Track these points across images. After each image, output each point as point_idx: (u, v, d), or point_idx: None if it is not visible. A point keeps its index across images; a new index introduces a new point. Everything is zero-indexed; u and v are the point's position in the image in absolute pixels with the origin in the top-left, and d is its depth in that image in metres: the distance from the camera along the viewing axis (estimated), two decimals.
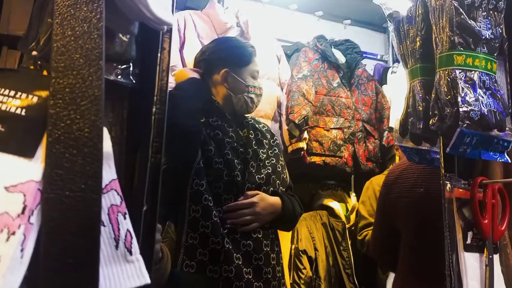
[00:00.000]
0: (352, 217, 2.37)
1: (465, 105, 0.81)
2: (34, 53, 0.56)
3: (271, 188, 1.50)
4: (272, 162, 1.55)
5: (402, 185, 1.36)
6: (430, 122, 0.88)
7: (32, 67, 0.56)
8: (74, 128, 0.50)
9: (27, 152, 0.48)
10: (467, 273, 0.83)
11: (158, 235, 1.05)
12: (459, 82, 0.83)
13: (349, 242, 2.27)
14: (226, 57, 1.53)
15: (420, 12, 0.95)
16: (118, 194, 0.63)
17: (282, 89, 2.41)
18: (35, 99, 0.52)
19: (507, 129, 0.87)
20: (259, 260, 1.40)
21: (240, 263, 1.35)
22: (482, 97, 0.83)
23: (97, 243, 0.49)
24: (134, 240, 0.61)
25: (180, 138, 1.36)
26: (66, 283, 0.46)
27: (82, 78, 0.52)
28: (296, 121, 2.21)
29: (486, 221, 0.87)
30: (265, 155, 1.53)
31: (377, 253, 1.68)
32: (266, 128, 1.65)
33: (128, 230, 0.62)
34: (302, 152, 2.27)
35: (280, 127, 2.33)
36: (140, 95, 0.72)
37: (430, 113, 0.88)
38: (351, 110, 2.43)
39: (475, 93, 0.82)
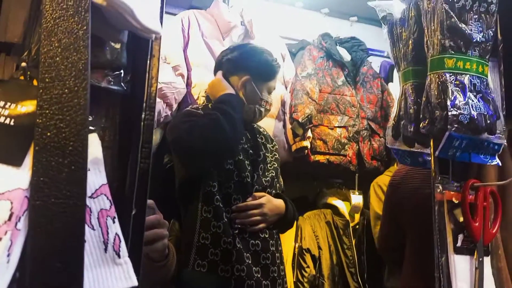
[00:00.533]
0: (357, 216, 2.37)
1: (454, 108, 0.82)
2: (24, 64, 0.59)
3: (274, 191, 1.58)
4: (274, 166, 1.63)
5: (408, 186, 1.37)
6: (421, 125, 0.88)
7: (22, 77, 0.59)
8: (60, 137, 0.53)
9: (15, 160, 0.51)
10: (457, 275, 0.84)
11: (165, 231, 1.08)
12: (449, 86, 0.83)
13: (353, 241, 2.28)
14: (253, 67, 1.59)
15: (412, 14, 0.96)
16: (107, 198, 0.66)
17: (286, 88, 2.41)
18: (23, 109, 0.54)
19: (498, 132, 0.87)
20: (266, 260, 1.46)
21: (250, 262, 1.40)
22: (472, 101, 0.83)
23: (82, 247, 0.52)
24: (123, 244, 0.64)
25: (224, 152, 1.44)
26: (52, 286, 0.49)
27: (68, 89, 0.55)
28: (300, 120, 2.22)
29: (477, 224, 0.88)
30: (269, 159, 1.61)
31: (384, 251, 1.70)
32: (267, 133, 1.73)
33: (116, 234, 0.64)
34: (306, 150, 2.28)
35: (284, 126, 2.34)
36: (130, 101, 0.74)
37: (421, 116, 0.89)
38: (355, 108, 2.43)
39: (465, 97, 0.83)
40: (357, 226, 2.36)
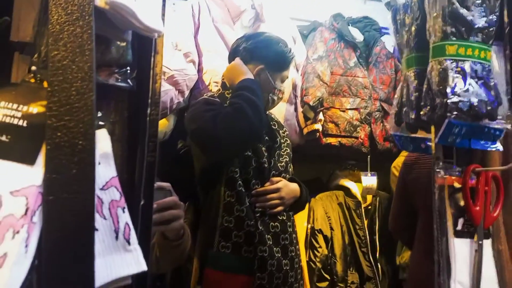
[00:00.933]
0: (369, 197, 2.39)
1: (454, 95, 0.82)
2: (34, 68, 0.62)
3: (287, 175, 1.65)
4: (287, 151, 1.69)
5: (421, 166, 1.38)
6: (422, 112, 0.89)
7: (33, 80, 0.62)
8: (69, 137, 0.57)
9: (29, 159, 0.55)
10: (456, 258, 0.87)
11: (181, 212, 1.14)
12: (449, 73, 0.84)
13: (366, 222, 2.31)
14: (268, 57, 1.63)
15: (415, 0, 0.95)
16: (117, 190, 0.70)
17: (297, 71, 2.41)
18: (35, 111, 0.58)
19: (499, 117, 0.87)
20: (285, 240, 1.53)
21: (271, 243, 1.48)
22: (473, 87, 0.84)
23: (92, 237, 0.56)
24: (132, 232, 0.68)
25: (251, 141, 1.49)
26: (65, 273, 0.54)
27: (76, 91, 0.58)
28: (311, 103, 2.23)
29: (477, 208, 0.89)
30: (282, 145, 1.67)
31: (395, 230, 1.73)
32: (277, 119, 1.77)
33: (126, 223, 0.69)
34: (318, 133, 2.29)
35: (296, 109, 2.35)
36: (137, 96, 0.77)
37: (422, 103, 0.90)
38: (368, 90, 2.42)
39: (465, 83, 0.83)
40: (370, 207, 2.38)
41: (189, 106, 2.10)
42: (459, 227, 0.89)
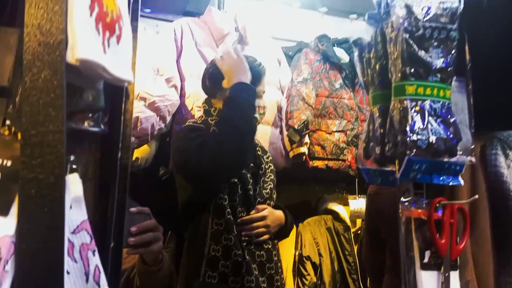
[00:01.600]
0: (358, 221, 2.47)
1: (414, 134, 0.91)
2: (8, 122, 0.70)
3: (272, 202, 1.71)
4: (271, 177, 1.75)
5: (383, 197, 1.45)
6: (386, 148, 0.98)
7: (7, 132, 0.70)
8: (40, 188, 0.64)
9: (3, 211, 0.63)
10: None
11: (161, 235, 1.20)
12: (409, 112, 0.93)
13: (355, 247, 2.38)
14: None
15: (379, 39, 1.05)
16: (88, 233, 0.77)
17: (282, 93, 2.50)
18: (9, 164, 0.66)
19: (460, 153, 0.96)
20: (271, 270, 1.59)
21: (257, 273, 1.53)
22: (432, 125, 0.92)
23: (62, 282, 0.63)
24: (102, 274, 0.76)
25: (237, 172, 1.57)
26: None
27: (47, 144, 0.66)
28: (296, 127, 2.32)
29: (443, 240, 0.97)
30: (267, 171, 1.73)
31: (363, 260, 1.79)
32: (261, 144, 1.84)
33: (96, 266, 0.76)
34: (304, 156, 2.38)
35: (281, 132, 2.44)
36: (109, 139, 0.85)
37: (386, 139, 0.98)
38: (354, 112, 2.52)
39: (423, 122, 0.92)
40: (359, 231, 2.46)
41: (173, 132, 2.18)
42: (426, 260, 0.97)
